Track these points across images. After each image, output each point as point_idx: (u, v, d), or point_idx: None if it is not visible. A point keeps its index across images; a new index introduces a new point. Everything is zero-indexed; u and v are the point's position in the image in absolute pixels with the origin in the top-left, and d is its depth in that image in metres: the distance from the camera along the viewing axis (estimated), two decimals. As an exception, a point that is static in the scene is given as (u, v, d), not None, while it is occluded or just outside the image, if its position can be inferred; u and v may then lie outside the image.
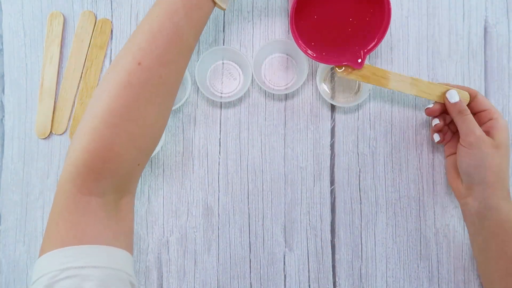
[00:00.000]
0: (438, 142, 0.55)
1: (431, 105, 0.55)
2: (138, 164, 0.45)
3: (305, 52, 0.51)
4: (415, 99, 0.59)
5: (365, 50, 0.51)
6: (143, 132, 0.44)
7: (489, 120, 0.52)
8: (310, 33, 0.52)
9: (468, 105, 0.53)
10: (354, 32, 0.52)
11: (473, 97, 0.54)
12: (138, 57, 0.43)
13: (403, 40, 0.60)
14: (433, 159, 0.58)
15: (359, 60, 0.51)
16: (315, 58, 0.52)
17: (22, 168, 0.59)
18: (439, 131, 0.55)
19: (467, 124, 0.52)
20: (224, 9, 0.49)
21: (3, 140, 0.60)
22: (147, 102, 0.43)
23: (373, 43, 0.51)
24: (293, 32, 0.50)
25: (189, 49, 0.47)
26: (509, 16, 0.60)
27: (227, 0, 0.49)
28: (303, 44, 0.51)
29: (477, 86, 0.59)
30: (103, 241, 0.40)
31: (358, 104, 0.59)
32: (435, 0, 0.60)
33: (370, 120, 0.59)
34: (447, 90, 0.53)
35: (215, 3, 0.47)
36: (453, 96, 0.53)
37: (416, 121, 0.59)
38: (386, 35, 0.52)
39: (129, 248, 0.43)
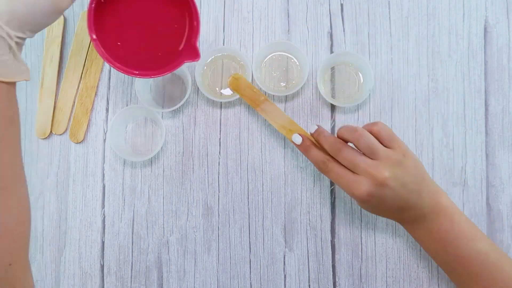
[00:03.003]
0: None
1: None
2: (10, 264, 0.41)
3: (130, 73, 0.49)
4: (415, 99, 0.59)
5: (190, 42, 0.50)
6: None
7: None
8: (131, 53, 0.50)
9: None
10: (179, 32, 0.51)
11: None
12: None
13: (403, 40, 0.60)
14: (432, 159, 0.58)
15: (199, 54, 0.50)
16: (142, 75, 0.49)
17: (22, 168, 0.59)
18: None
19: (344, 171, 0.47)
20: (28, 80, 0.43)
21: (3, 140, 0.60)
22: None
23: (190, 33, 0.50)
24: (99, 52, 0.47)
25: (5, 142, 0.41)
26: (509, 16, 0.60)
27: (25, 71, 0.42)
28: (120, 66, 0.49)
29: (477, 86, 0.59)
30: None
31: (358, 104, 0.59)
32: (435, 0, 0.60)
33: (370, 120, 0.59)
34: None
35: (14, 83, 0.41)
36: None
37: (416, 121, 0.59)
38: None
39: None
